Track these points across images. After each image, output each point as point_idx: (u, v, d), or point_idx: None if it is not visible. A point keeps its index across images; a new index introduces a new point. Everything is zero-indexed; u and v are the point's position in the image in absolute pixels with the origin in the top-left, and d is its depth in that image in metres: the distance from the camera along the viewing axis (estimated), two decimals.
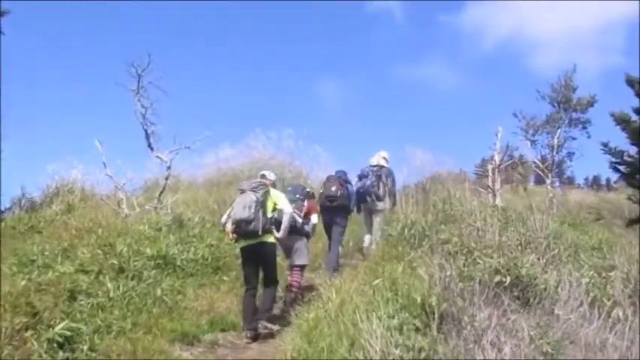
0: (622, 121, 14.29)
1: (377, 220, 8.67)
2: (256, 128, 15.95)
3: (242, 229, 5.85)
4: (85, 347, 4.58)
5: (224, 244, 8.18)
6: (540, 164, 18.49)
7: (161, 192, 9.36)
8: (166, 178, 9.52)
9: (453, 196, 10.10)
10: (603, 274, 6.84)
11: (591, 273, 6.75)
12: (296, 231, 6.87)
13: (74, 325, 4.73)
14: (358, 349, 3.97)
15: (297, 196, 7.28)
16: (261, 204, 5.93)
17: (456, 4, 66.21)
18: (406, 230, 7.87)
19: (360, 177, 8.95)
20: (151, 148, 9.51)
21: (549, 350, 4.66)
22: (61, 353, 4.41)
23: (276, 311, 6.46)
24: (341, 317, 4.89)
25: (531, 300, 5.77)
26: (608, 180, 35.50)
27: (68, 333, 4.56)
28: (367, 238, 8.78)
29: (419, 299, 4.85)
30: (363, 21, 60.81)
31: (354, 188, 8.69)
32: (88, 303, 5.38)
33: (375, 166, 8.91)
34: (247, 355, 5.24)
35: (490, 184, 14.40)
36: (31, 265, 6.41)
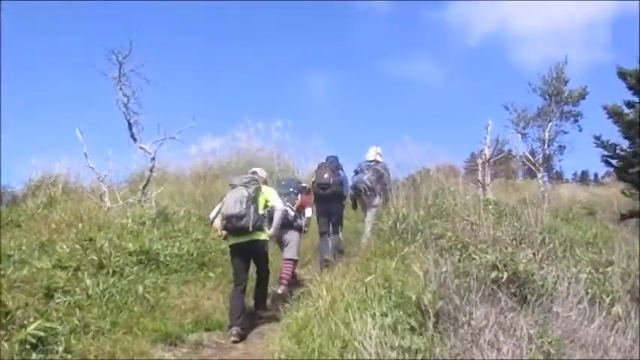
0: (615, 114, 14.15)
1: (370, 213, 8.52)
2: (243, 119, 15.61)
3: (233, 224, 5.70)
4: (60, 348, 4.30)
5: (210, 238, 7.92)
6: (531, 158, 18.35)
7: (145, 184, 9.04)
8: (151, 170, 9.18)
9: (446, 189, 9.85)
10: (601, 270, 6.68)
11: (588, 269, 6.59)
12: (288, 224, 6.81)
13: (49, 324, 4.46)
14: (351, 350, 3.72)
15: (291, 189, 7.28)
16: (253, 200, 5.81)
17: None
18: (398, 224, 7.64)
19: (357, 172, 8.80)
20: (134, 139, 9.17)
21: (550, 350, 4.47)
22: (34, 355, 4.14)
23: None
24: (332, 316, 4.65)
25: (529, 297, 5.58)
26: (596, 175, 35.59)
27: (42, 333, 4.29)
28: None
29: (414, 297, 4.63)
30: (349, 17, 60.55)
31: (351, 183, 8.57)
32: (65, 301, 5.10)
33: (371, 161, 8.82)
34: (233, 356, 4.98)
35: (480, 178, 14.23)
36: (7, 261, 6.07)
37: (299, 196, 7.30)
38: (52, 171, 12.10)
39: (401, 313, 4.54)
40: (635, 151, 14.05)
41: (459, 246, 7.08)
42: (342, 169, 8.42)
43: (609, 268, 6.67)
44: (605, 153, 14.81)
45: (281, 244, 7.00)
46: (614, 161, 14.84)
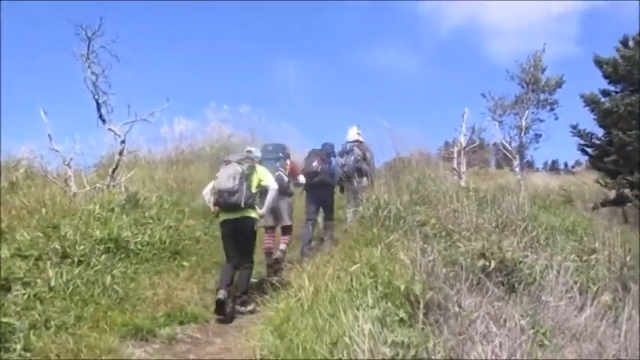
0: (592, 103, 14.11)
1: (355, 197, 8.35)
2: (217, 102, 15.18)
3: (224, 199, 5.72)
4: (19, 346, 3.89)
5: (184, 226, 7.54)
6: (508, 146, 18.31)
7: (114, 168, 8.54)
8: (120, 153, 8.68)
9: (427, 176, 9.63)
10: (584, 258, 6.56)
11: (573, 256, 6.45)
12: (282, 190, 6.85)
13: (6, 320, 4.04)
14: (341, 347, 3.42)
15: (280, 154, 7.27)
16: (246, 177, 5.82)
17: None
18: (380, 212, 7.37)
19: (342, 154, 8.58)
20: (103, 120, 8.66)
21: (544, 341, 4.27)
22: None
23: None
24: (317, 308, 4.36)
25: (516, 286, 5.41)
26: (566, 164, 36.01)
27: None
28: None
29: (402, 287, 4.37)
30: (321, 5, 60.20)
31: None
32: (24, 293, 4.64)
33: (354, 141, 8.64)
34: (209, 351, 4.63)
35: (456, 166, 14.13)
36: None
37: (288, 161, 7.32)
38: (15, 154, 11.50)
39: (389, 304, 4.29)
40: (610, 140, 14.05)
41: (442, 233, 6.90)
42: (334, 157, 8.26)
43: (593, 256, 6.58)
44: (582, 142, 14.80)
45: (276, 212, 7.04)
46: (589, 150, 14.83)
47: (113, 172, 8.57)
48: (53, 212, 6.98)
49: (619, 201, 14.19)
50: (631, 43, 14.75)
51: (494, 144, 18.54)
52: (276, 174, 6.87)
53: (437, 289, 4.44)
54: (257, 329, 4.60)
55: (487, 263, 5.51)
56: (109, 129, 8.78)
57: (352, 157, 8.47)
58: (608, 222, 11.05)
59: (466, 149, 14.81)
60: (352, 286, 4.60)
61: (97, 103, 8.65)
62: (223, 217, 5.88)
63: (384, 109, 44.30)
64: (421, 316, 4.14)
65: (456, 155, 14.60)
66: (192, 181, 10.19)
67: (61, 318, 4.45)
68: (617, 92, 14.59)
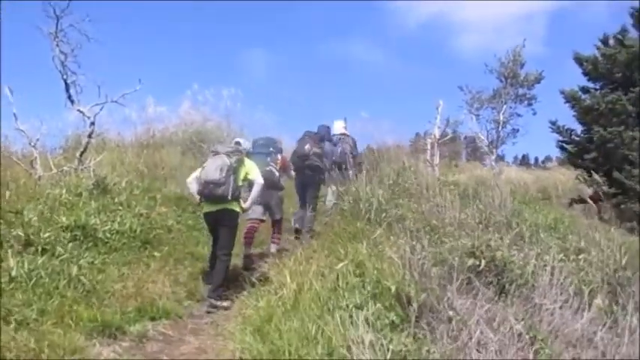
0: (572, 99, 14.08)
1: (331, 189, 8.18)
2: (190, 86, 14.64)
3: (210, 190, 5.60)
4: None
5: (155, 213, 7.14)
6: (486, 140, 18.29)
7: (82, 151, 8.07)
8: (89, 136, 8.21)
9: (407, 168, 9.40)
10: (572, 258, 6.39)
11: (560, 256, 6.27)
12: (273, 185, 6.89)
13: None
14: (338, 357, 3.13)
15: (271, 149, 7.17)
16: (234, 170, 5.69)
17: None
18: (361, 204, 7.11)
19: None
20: (72, 101, 8.17)
21: (543, 348, 4.06)
22: None
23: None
24: (301, 307, 4.07)
25: (507, 286, 5.20)
26: (536, 159, 36.43)
27: None
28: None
29: (393, 288, 4.10)
30: None
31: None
32: None
33: (341, 134, 8.52)
34: (183, 351, 4.28)
35: (429, 158, 14.02)
36: None
37: (279, 156, 7.22)
38: None
39: (378, 305, 4.02)
40: (590, 137, 14.05)
41: (426, 229, 6.66)
42: (329, 141, 8.10)
43: (581, 256, 6.43)
44: (561, 138, 14.79)
45: (267, 207, 7.02)
46: (569, 146, 14.83)
47: (81, 154, 8.11)
48: (17, 196, 6.51)
49: (595, 198, 14.24)
50: (611, 42, 14.78)
51: (465, 137, 18.54)
52: (267, 169, 6.81)
53: (429, 290, 4.19)
54: (235, 329, 4.29)
55: (477, 262, 5.29)
56: (78, 110, 8.31)
57: (339, 149, 8.34)
58: (587, 219, 11.04)
59: (440, 141, 14.75)
60: (338, 285, 4.31)
61: (66, 83, 8.20)
62: (207, 208, 5.79)
63: (353, 101, 44.35)
64: (414, 319, 3.89)
65: (429, 147, 14.51)
66: (164, 166, 9.76)
67: (22, 312, 4.05)
68: (595, 89, 14.63)
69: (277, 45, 58.84)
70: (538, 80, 18.24)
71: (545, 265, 5.49)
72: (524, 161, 41.24)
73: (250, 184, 6.03)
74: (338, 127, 8.81)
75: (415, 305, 3.93)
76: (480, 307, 4.53)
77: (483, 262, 5.30)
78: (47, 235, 5.42)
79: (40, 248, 5.16)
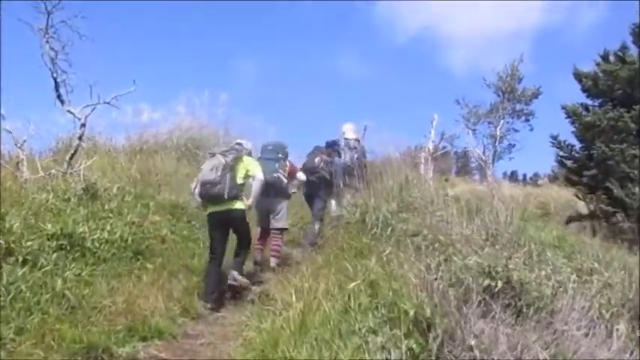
0: (574, 115, 13.88)
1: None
2: (186, 91, 14.29)
3: (207, 191, 5.70)
4: None
5: (148, 222, 6.73)
6: (482, 155, 18.13)
7: (72, 154, 7.63)
8: (79, 138, 7.78)
9: (410, 181, 9.05)
10: (584, 278, 6.09)
11: (574, 277, 5.96)
12: (280, 192, 6.88)
13: None
14: None
15: (279, 155, 7.07)
16: (230, 168, 5.74)
17: None
18: (367, 218, 6.75)
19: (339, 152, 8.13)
20: (62, 101, 7.76)
21: None
22: None
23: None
24: (310, 331, 3.69)
25: (525, 309, 4.86)
26: (524, 175, 36.41)
27: None
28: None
29: (411, 312, 3.74)
30: (271, 6, 60.70)
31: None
32: None
33: (354, 139, 8.24)
34: None
35: (423, 172, 13.79)
36: None
37: (287, 162, 7.15)
38: None
39: (395, 331, 3.66)
40: (589, 154, 13.85)
41: (435, 245, 6.33)
42: (339, 155, 7.82)
43: (593, 277, 6.14)
44: (561, 153, 14.58)
45: (271, 213, 6.91)
46: (568, 162, 14.62)
47: (71, 158, 7.67)
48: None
49: (593, 215, 14.03)
50: (612, 58, 14.64)
51: (456, 152, 18.41)
52: (275, 175, 6.75)
53: (451, 314, 3.84)
54: (236, 352, 3.90)
55: (493, 283, 4.95)
56: (68, 111, 7.89)
57: (356, 155, 8.03)
58: (587, 238, 10.77)
59: (434, 155, 14.55)
60: (350, 306, 3.94)
61: (56, 82, 7.78)
62: (210, 209, 5.82)
63: (343, 112, 44.44)
64: (435, 347, 3.54)
65: (423, 161, 14.27)
66: (157, 173, 9.34)
67: None
68: (594, 106, 14.47)
69: (266, 56, 59.36)
70: (536, 95, 18.13)
71: (559, 287, 5.20)
72: (512, 177, 41.27)
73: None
74: (350, 132, 8.52)
75: (438, 332, 3.59)
76: (502, 333, 4.21)
77: (500, 283, 4.98)
78: (30, 243, 4.99)
79: (21, 258, 4.71)
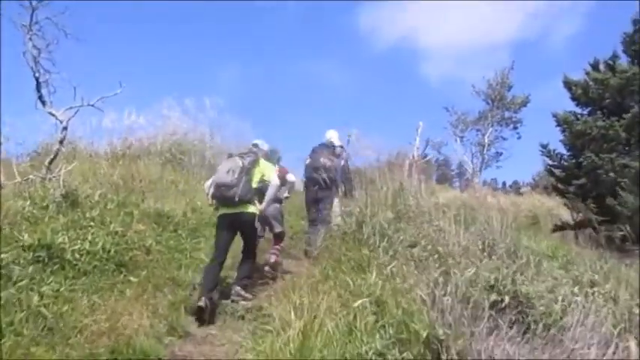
0: (565, 123, 13.77)
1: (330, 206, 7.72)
2: (167, 96, 13.97)
3: (221, 193, 5.64)
4: None
5: (132, 231, 6.35)
6: (470, 162, 18.04)
7: (52, 158, 7.21)
8: (60, 142, 7.36)
9: (405, 189, 8.79)
10: (585, 291, 5.86)
11: (575, 289, 5.74)
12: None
13: None
14: None
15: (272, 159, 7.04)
16: (247, 171, 5.70)
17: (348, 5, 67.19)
18: (364, 227, 6.45)
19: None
20: (43, 102, 7.35)
21: None
22: None
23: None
24: (313, 354, 3.38)
25: (532, 326, 4.61)
26: (504, 183, 36.53)
27: None
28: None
29: (424, 333, 3.45)
30: (254, 14, 61.08)
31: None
32: None
33: (340, 146, 7.97)
34: None
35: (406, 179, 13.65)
36: None
37: (276, 166, 7.02)
38: None
39: (406, 353, 3.37)
40: (578, 163, 13.74)
41: (435, 256, 6.07)
42: (339, 156, 7.60)
43: (593, 289, 5.93)
44: (550, 162, 14.46)
45: (265, 219, 6.64)
46: (557, 171, 14.50)
47: (50, 163, 7.26)
48: None
49: (582, 224, 13.91)
50: (602, 67, 14.60)
51: (436, 160, 18.43)
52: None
53: (466, 335, 3.56)
54: None
55: (500, 298, 4.70)
56: (50, 113, 7.47)
57: (342, 162, 7.76)
58: (582, 247, 10.62)
59: (419, 162, 14.42)
60: (355, 326, 3.64)
61: (38, 82, 7.36)
62: (222, 211, 5.74)
63: (324, 116, 44.53)
64: None
65: (407, 168, 14.11)
66: (142, 179, 8.94)
67: None
68: (582, 115, 14.38)
69: (250, 63, 59.45)
70: (524, 103, 18.15)
71: (564, 301, 4.98)
72: (491, 185, 41.41)
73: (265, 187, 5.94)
74: (334, 138, 8.28)
75: (453, 354, 3.30)
76: (515, 353, 3.96)
77: (507, 298, 4.73)
78: (4, 255, 4.62)
79: None
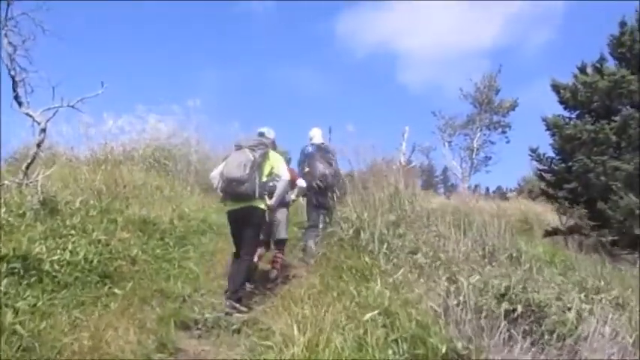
0: (555, 127, 13.65)
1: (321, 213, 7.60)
2: (145, 99, 13.53)
3: (232, 189, 5.40)
4: None
5: (116, 240, 5.97)
6: (459, 167, 17.89)
7: (29, 163, 6.79)
8: (38, 145, 6.95)
9: (401, 192, 8.54)
10: (591, 297, 5.66)
11: (581, 296, 5.52)
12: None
13: None
14: None
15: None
16: (258, 165, 5.46)
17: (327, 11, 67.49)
18: (362, 233, 6.16)
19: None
20: (19, 102, 6.94)
21: None
22: None
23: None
24: None
25: (546, 336, 4.36)
26: (487, 189, 36.58)
27: None
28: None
29: (442, 347, 3.15)
30: (233, 19, 61.12)
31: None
32: None
33: (321, 144, 7.83)
34: None
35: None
36: None
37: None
38: None
39: None
40: (568, 167, 13.64)
41: (437, 263, 5.82)
42: (335, 161, 7.42)
43: (600, 296, 5.74)
44: (540, 167, 14.35)
45: (270, 223, 6.47)
46: (547, 175, 14.38)
47: (27, 167, 6.83)
48: None
49: (573, 229, 13.80)
50: (590, 70, 14.54)
51: (421, 165, 18.37)
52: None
53: (487, 350, 3.27)
54: None
55: (512, 307, 4.43)
56: (27, 114, 7.06)
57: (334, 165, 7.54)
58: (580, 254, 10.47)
59: (406, 168, 14.21)
60: (365, 341, 3.32)
61: (13, 81, 6.94)
62: (230, 206, 5.56)
63: (302, 126, 44.55)
64: None
65: (395, 173, 13.92)
66: (125, 184, 8.53)
67: None
68: (570, 118, 14.31)
69: (229, 67, 59.32)
70: (513, 107, 18.06)
71: (569, 308, 4.76)
72: (475, 190, 41.47)
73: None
74: (317, 137, 7.96)
75: None
76: None
77: (519, 307, 4.47)
78: None
79: None
